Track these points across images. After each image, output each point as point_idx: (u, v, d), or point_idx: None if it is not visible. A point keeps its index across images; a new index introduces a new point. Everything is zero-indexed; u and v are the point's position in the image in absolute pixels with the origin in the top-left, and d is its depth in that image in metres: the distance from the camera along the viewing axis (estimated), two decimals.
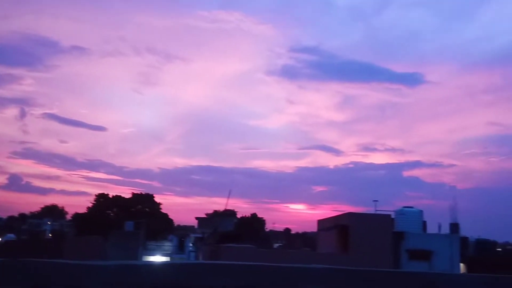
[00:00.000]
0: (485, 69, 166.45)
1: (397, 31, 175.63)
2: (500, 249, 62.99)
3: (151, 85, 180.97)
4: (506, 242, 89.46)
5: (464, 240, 31.30)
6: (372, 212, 31.27)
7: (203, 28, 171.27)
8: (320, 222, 33.56)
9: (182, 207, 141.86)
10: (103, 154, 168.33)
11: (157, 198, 70.03)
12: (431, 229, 32.16)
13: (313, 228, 36.00)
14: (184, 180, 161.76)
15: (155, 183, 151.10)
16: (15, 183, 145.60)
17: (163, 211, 69.16)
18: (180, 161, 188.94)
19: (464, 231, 34.83)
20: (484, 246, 38.80)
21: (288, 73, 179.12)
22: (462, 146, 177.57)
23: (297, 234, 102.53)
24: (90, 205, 66.18)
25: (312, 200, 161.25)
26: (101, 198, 66.55)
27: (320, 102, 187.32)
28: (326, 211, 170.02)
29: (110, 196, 67.47)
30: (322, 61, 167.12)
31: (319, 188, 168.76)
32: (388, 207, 33.89)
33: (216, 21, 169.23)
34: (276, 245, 73.85)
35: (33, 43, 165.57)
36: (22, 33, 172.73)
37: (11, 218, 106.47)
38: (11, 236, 53.86)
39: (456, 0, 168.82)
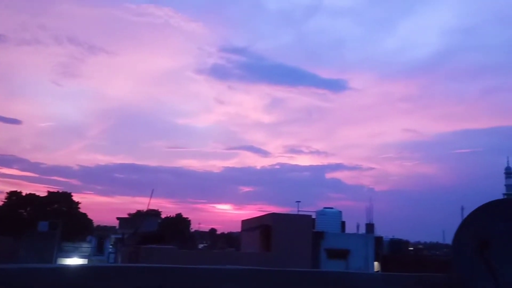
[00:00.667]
0: (403, 78, 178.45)
1: (325, 38, 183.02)
2: (411, 248, 67.55)
3: (73, 77, 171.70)
4: (417, 242, 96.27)
5: (379, 239, 33.09)
6: (295, 212, 32.15)
7: (130, 21, 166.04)
8: (244, 222, 33.86)
9: (103, 206, 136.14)
10: (17, 149, 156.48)
11: (76, 197, 66.62)
12: (350, 229, 33.79)
13: (238, 228, 36.25)
14: (106, 178, 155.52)
15: (74, 181, 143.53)
16: None
17: (81, 210, 65.94)
18: (102, 158, 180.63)
19: (379, 231, 36.96)
20: (397, 245, 41.33)
21: (218, 73, 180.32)
22: (380, 150, 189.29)
23: (222, 234, 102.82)
24: (0, 203, 61.52)
25: (238, 201, 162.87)
26: (13, 196, 62.07)
27: (248, 103, 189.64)
28: (252, 212, 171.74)
29: (24, 194, 63.21)
30: (252, 63, 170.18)
31: (246, 189, 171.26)
32: (311, 208, 35.16)
33: (144, 15, 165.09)
34: (201, 246, 73.43)
35: None
36: None
37: None
38: None
39: (380, 12, 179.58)
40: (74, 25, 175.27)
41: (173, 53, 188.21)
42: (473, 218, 5.78)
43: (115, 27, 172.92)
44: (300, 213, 32.41)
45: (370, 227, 35.10)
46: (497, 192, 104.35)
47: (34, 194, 64.02)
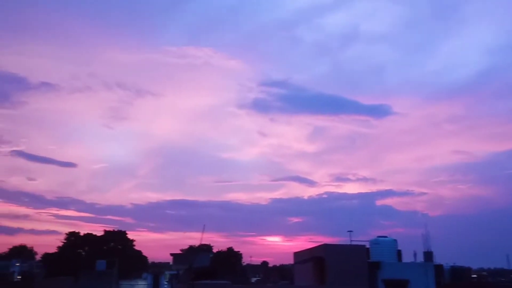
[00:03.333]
0: (447, 99, 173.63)
1: (362, 65, 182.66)
2: (475, 276, 63.69)
3: (122, 120, 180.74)
4: (480, 268, 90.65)
5: (439, 268, 31.57)
6: (347, 242, 31.35)
7: (172, 63, 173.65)
8: (296, 254, 33.36)
9: (157, 243, 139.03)
10: (74, 191, 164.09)
11: (130, 235, 68.39)
12: (406, 257, 32.39)
13: (290, 260, 35.75)
14: (157, 215, 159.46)
15: (128, 219, 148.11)
16: None
17: (136, 248, 67.50)
18: (153, 196, 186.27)
19: (439, 259, 35.25)
20: (459, 273, 39.22)
21: (259, 106, 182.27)
22: (431, 174, 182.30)
23: (274, 267, 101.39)
24: (60, 244, 63.99)
25: (288, 232, 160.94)
26: (72, 237, 64.48)
27: (291, 134, 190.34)
28: (302, 243, 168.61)
29: (81, 234, 65.53)
30: (292, 94, 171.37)
31: (295, 219, 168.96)
32: (363, 237, 34.15)
33: (185, 57, 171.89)
34: (253, 279, 72.70)
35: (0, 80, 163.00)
36: None
37: None
38: None
39: (417, 35, 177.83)
40: (121, 71, 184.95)
41: (214, 91, 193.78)
42: None
43: (159, 69, 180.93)
44: (353, 243, 31.52)
45: (428, 255, 33.52)
46: None
47: (91, 233, 66.25)
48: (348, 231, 33.14)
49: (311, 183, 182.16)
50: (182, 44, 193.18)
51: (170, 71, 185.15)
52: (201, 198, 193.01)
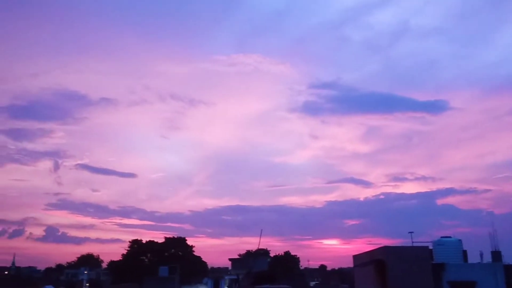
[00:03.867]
0: (507, 91, 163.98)
1: (415, 60, 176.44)
2: None
3: (177, 129, 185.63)
4: None
5: (509, 268, 29.93)
6: (409, 244, 30.55)
7: (222, 71, 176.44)
8: (356, 257, 32.88)
9: (215, 248, 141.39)
10: (135, 200, 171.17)
11: (190, 241, 70.27)
12: (472, 258, 31.05)
13: (349, 263, 35.30)
14: (214, 221, 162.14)
15: (187, 226, 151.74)
16: (52, 234, 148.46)
17: (196, 253, 69.22)
18: (209, 202, 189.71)
19: (508, 259, 33.43)
20: None
21: (310, 109, 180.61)
22: (494, 170, 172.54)
23: (333, 270, 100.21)
24: (124, 252, 66.87)
25: (345, 235, 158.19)
26: (135, 245, 67.13)
27: (343, 135, 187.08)
28: (361, 245, 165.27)
29: (144, 241, 68.06)
30: (342, 95, 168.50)
31: (351, 222, 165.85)
32: (425, 238, 33.05)
33: (234, 64, 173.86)
34: (312, 283, 72.19)
35: (62, 98, 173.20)
36: (51, 89, 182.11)
37: (48, 269, 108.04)
38: (49, 287, 54.45)
39: (471, 26, 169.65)
40: (174, 82, 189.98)
41: (265, 96, 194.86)
42: None
43: (210, 79, 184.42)
44: (415, 244, 30.65)
45: (496, 254, 31.86)
46: None
47: (152, 241, 68.67)
48: (409, 232, 32.29)
49: (366, 184, 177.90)
50: (231, 52, 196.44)
51: (221, 79, 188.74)
52: (255, 203, 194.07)
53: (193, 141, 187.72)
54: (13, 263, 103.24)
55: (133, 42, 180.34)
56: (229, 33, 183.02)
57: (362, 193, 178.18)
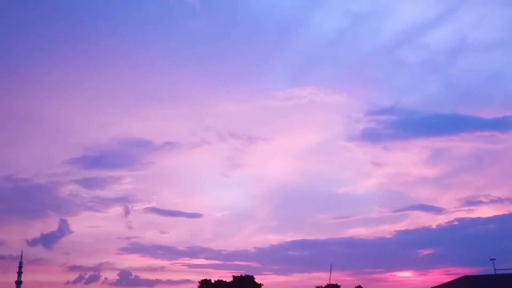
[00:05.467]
0: None
1: (477, 76, 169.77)
2: None
3: (238, 167, 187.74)
4: None
5: None
6: (491, 272, 28.58)
7: (279, 106, 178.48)
8: None
9: (283, 285, 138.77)
10: (202, 240, 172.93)
11: (258, 279, 69.52)
12: None
13: None
14: (281, 257, 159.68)
15: (253, 264, 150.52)
16: (125, 278, 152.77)
17: None
18: (274, 238, 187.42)
19: None
20: None
21: (370, 136, 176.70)
22: None
23: None
24: None
25: (419, 265, 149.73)
26: (204, 285, 67.45)
27: (408, 160, 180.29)
28: (438, 276, 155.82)
29: (213, 281, 68.23)
30: (403, 119, 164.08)
31: (425, 251, 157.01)
32: (509, 265, 30.76)
33: (290, 98, 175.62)
34: None
35: (129, 145, 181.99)
36: (119, 138, 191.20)
37: None
38: None
39: None
40: (232, 121, 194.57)
41: (322, 127, 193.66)
42: None
43: (267, 114, 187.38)
44: (498, 272, 28.57)
45: None
46: None
47: (221, 280, 68.63)
48: (490, 259, 30.33)
49: (438, 210, 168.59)
50: (286, 87, 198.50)
51: (277, 114, 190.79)
52: (321, 236, 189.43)
53: (254, 177, 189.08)
54: None
55: (192, 86, 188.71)
56: (283, 67, 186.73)
57: (434, 220, 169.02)
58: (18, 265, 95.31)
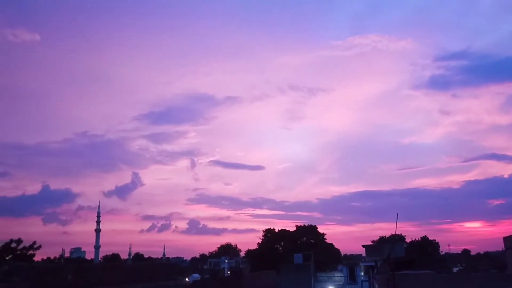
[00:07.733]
0: None
1: None
2: None
3: (299, 119, 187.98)
4: None
5: None
6: None
7: (340, 56, 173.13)
8: (507, 239, 29.86)
9: (345, 235, 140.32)
10: (264, 191, 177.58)
11: (320, 229, 70.56)
12: None
13: (497, 247, 32.17)
14: (343, 208, 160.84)
15: (316, 214, 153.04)
16: (194, 227, 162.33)
17: (327, 241, 69.21)
18: (336, 189, 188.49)
19: None
20: None
21: (438, 84, 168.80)
22: None
23: (478, 255, 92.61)
24: (259, 241, 69.68)
25: (489, 216, 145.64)
26: (268, 234, 69.55)
27: (479, 108, 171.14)
28: (510, 226, 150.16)
29: (276, 230, 70.12)
30: (475, 64, 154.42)
31: (496, 202, 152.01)
32: None
33: (351, 47, 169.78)
34: (455, 269, 67.53)
35: (193, 101, 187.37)
36: (183, 94, 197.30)
37: (193, 259, 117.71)
38: (196, 276, 59.09)
39: None
40: (292, 74, 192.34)
41: (386, 76, 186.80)
42: None
43: (327, 65, 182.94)
44: None
45: None
46: None
47: (285, 229, 70.46)
48: None
49: (511, 159, 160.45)
50: (347, 35, 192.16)
51: (338, 64, 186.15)
52: (385, 187, 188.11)
53: (315, 129, 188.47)
54: (164, 254, 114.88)
55: (252, 39, 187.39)
56: (344, 16, 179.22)
57: (506, 170, 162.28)
58: (96, 215, 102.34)
